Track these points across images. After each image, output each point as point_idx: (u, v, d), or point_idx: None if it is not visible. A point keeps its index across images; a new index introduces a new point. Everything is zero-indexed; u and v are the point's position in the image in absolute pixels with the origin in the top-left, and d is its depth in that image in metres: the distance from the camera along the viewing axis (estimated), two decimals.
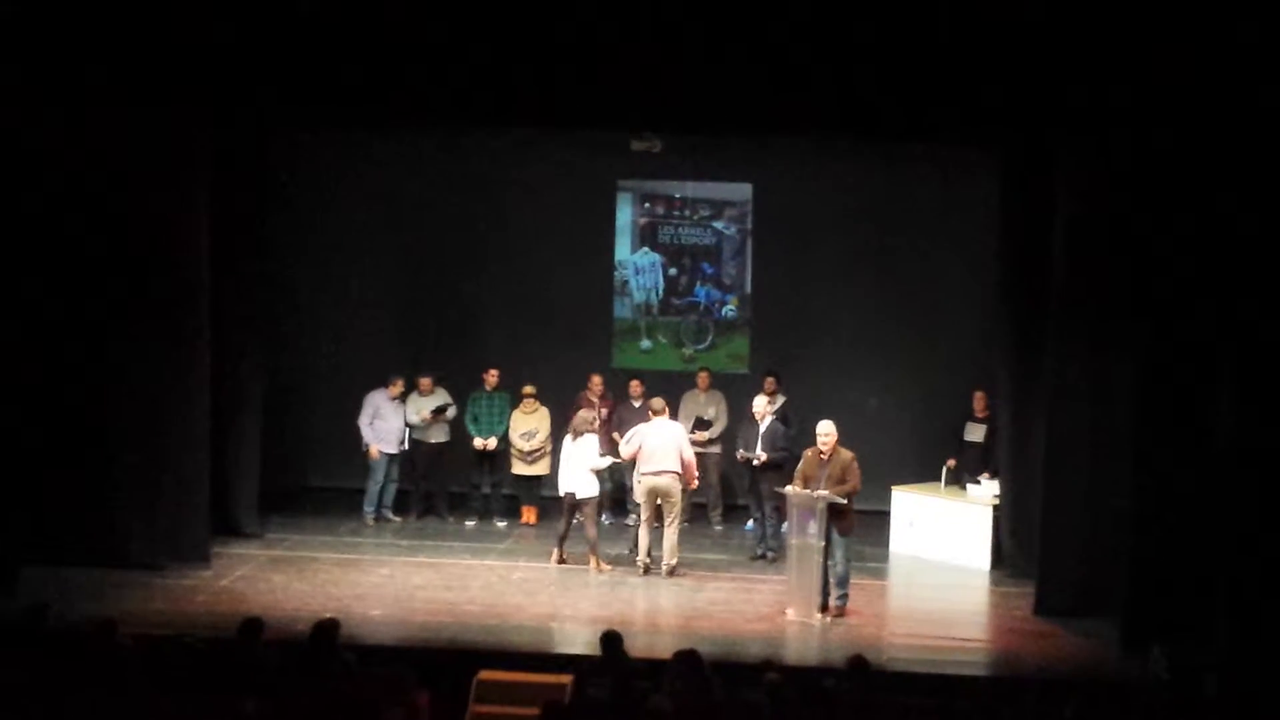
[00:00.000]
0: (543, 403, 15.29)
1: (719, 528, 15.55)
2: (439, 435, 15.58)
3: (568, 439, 14.06)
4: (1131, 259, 12.05)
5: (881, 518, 14.89)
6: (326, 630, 9.67)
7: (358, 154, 16.32)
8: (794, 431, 14.47)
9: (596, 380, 15.60)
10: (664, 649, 10.44)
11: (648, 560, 13.63)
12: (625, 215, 17.17)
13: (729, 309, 17.16)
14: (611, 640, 9.79)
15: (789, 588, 12.61)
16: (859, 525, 12.93)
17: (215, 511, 13.77)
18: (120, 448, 13.08)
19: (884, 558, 14.54)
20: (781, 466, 13.83)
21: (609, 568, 13.79)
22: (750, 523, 15.00)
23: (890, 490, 14.93)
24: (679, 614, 12.63)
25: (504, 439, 15.39)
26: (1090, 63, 11.86)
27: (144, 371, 13.09)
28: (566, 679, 9.89)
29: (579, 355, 16.39)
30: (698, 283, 17.18)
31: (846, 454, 12.48)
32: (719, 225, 17.11)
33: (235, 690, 8.82)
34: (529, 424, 15.26)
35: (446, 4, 12.30)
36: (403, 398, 15.42)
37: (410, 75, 12.53)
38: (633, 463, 14.13)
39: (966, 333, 15.73)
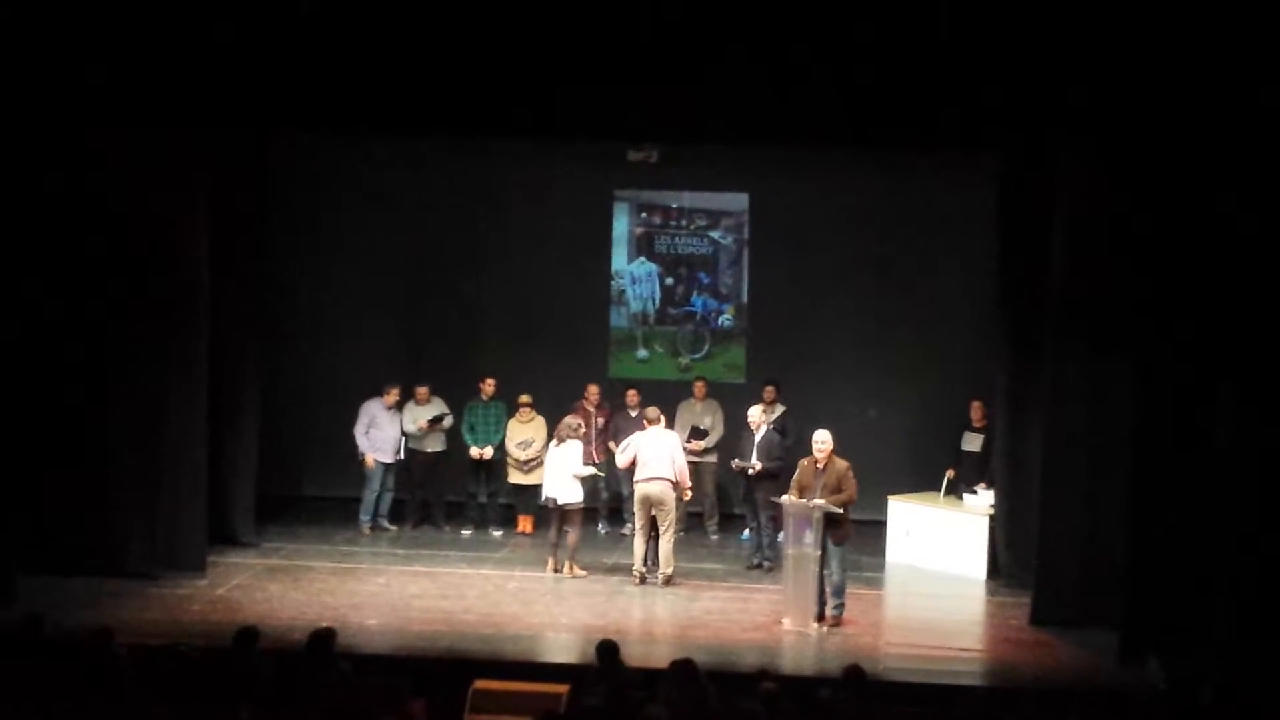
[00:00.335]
0: (539, 412, 15.29)
1: (715, 537, 15.55)
2: (435, 444, 15.57)
3: (552, 445, 14.09)
4: (1130, 264, 12.05)
5: (878, 527, 14.88)
6: (323, 639, 9.65)
7: (356, 162, 16.34)
8: (791, 441, 14.48)
9: (593, 390, 15.62)
10: (660, 658, 10.42)
11: (644, 569, 13.63)
12: (622, 225, 17.18)
13: (725, 318, 17.17)
14: (607, 650, 9.78)
15: (785, 597, 12.61)
16: (855, 535, 12.94)
17: (211, 520, 13.75)
18: (117, 456, 13.08)
19: (880, 567, 14.53)
20: (777, 476, 13.85)
21: (583, 573, 13.81)
22: (746, 532, 15.01)
23: (886, 500, 14.92)
24: (675, 623, 12.62)
25: (500, 448, 15.39)
26: (1088, 64, 11.85)
27: (141, 379, 13.09)
28: (562, 688, 9.88)
29: (575, 365, 16.41)
30: (694, 292, 17.19)
31: (842, 463, 12.48)
32: (715, 235, 17.12)
33: (231, 700, 8.81)
34: (525, 433, 15.26)
35: (444, 13, 12.31)
36: (399, 406, 15.41)
37: (409, 84, 12.52)
38: (629, 472, 14.13)
39: (964, 342, 15.73)
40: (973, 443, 14.93)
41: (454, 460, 15.64)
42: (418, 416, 15.43)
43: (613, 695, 9.31)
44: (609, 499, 15.77)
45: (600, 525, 15.72)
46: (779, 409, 15.24)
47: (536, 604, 12.96)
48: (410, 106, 12.74)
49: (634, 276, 17.21)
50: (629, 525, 15.08)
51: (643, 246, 17.18)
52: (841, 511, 12.35)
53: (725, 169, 16.51)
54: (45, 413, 12.90)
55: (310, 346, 16.66)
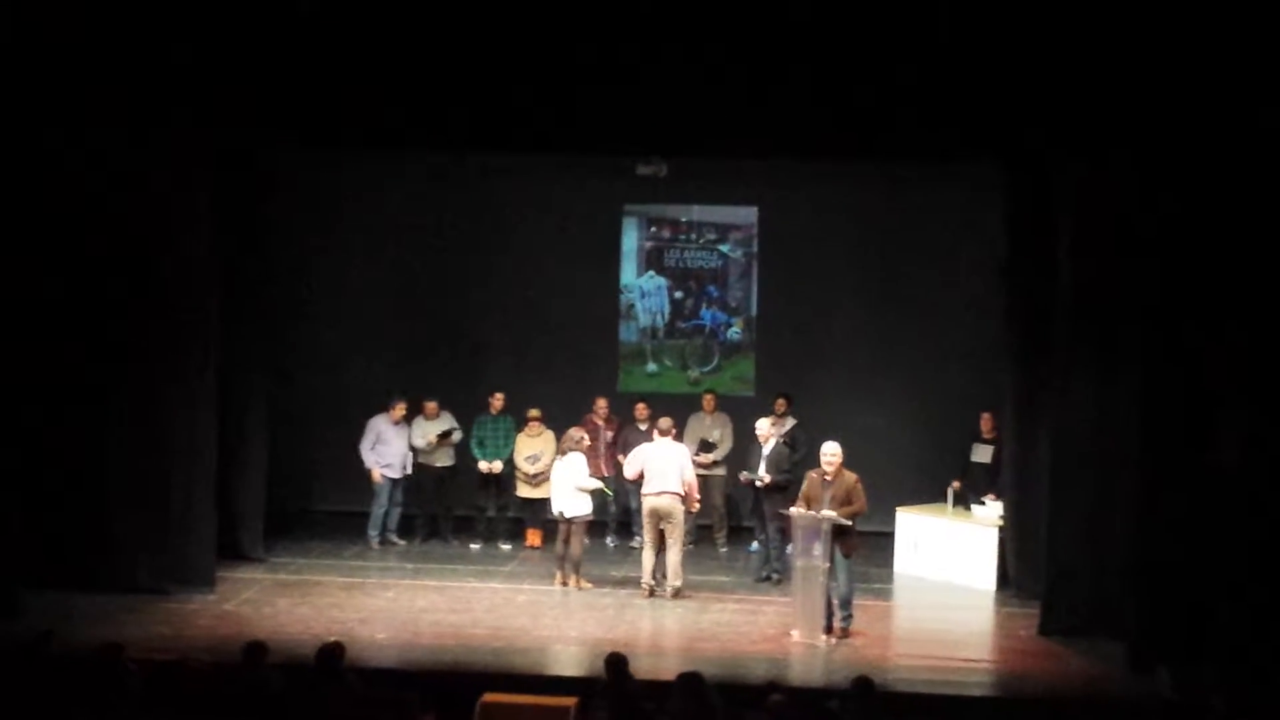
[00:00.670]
0: (548, 426, 15.28)
1: (724, 549, 15.54)
2: (444, 459, 15.59)
3: (557, 459, 14.11)
4: (1138, 273, 12.05)
5: (886, 539, 14.88)
6: (331, 654, 9.67)
7: (365, 176, 16.39)
8: (801, 455, 14.47)
9: (602, 403, 15.65)
10: (668, 671, 10.41)
11: (652, 582, 13.62)
12: (631, 239, 17.21)
13: (734, 331, 17.19)
14: (616, 663, 9.79)
15: (794, 609, 12.59)
16: (864, 546, 12.95)
17: (220, 535, 13.77)
18: (125, 472, 13.09)
19: (889, 579, 14.52)
20: (785, 488, 13.84)
21: (589, 586, 13.82)
22: (755, 544, 14.99)
23: (895, 511, 14.91)
24: (684, 636, 12.61)
25: (509, 462, 15.40)
26: (1091, 73, 11.89)
27: (149, 394, 13.11)
28: (571, 701, 9.88)
29: (585, 379, 16.43)
30: (703, 306, 17.22)
31: (850, 476, 12.47)
32: (724, 248, 17.15)
33: (240, 714, 8.83)
34: (534, 447, 15.26)
35: (452, 27, 12.35)
36: (405, 421, 15.42)
37: (417, 98, 12.59)
38: (638, 484, 14.14)
39: (973, 353, 15.72)
40: (982, 454, 14.92)
41: (462, 474, 15.66)
42: (427, 431, 15.45)
43: (621, 708, 9.33)
44: (618, 512, 15.77)
45: (609, 538, 15.72)
46: (789, 422, 15.24)
47: (545, 617, 12.96)
48: (419, 121, 12.82)
49: (643, 290, 17.23)
50: (638, 538, 15.07)
51: (652, 260, 17.21)
52: (850, 524, 12.34)
53: (733, 183, 16.55)
54: (53, 427, 12.93)
55: (319, 361, 16.67)
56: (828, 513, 12.27)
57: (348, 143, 13.85)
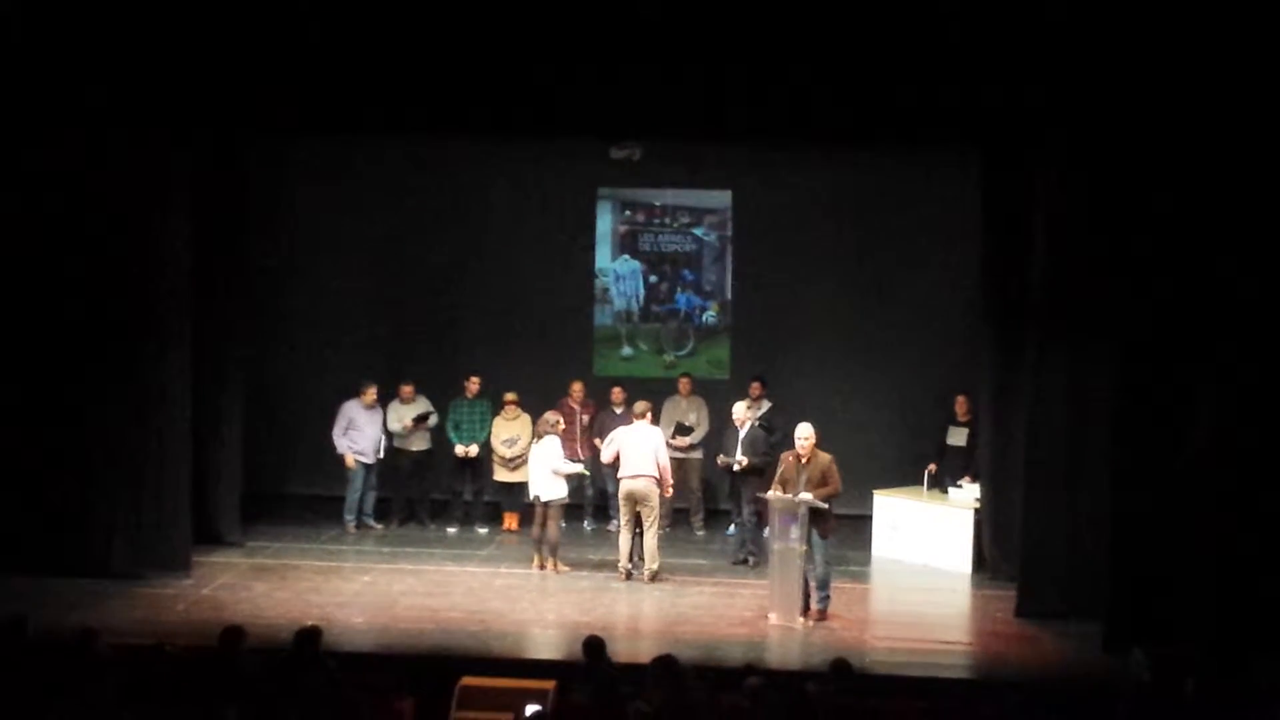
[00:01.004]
0: (524, 410, 15.28)
1: (701, 533, 15.57)
2: (421, 443, 15.56)
3: (534, 442, 14.11)
4: (1111, 258, 12.09)
5: (863, 522, 14.93)
6: (308, 638, 9.65)
7: (338, 162, 16.33)
8: (777, 438, 14.49)
9: (578, 387, 15.66)
10: (646, 654, 10.39)
11: (629, 565, 13.64)
12: (605, 223, 17.19)
13: (710, 315, 17.19)
14: (594, 646, 9.79)
15: (771, 592, 12.61)
16: (841, 529, 12.97)
17: (196, 520, 13.73)
18: (100, 457, 13.05)
19: (866, 561, 14.57)
20: (762, 472, 13.87)
21: (566, 569, 13.83)
22: (732, 527, 15.02)
23: (872, 494, 14.95)
24: (661, 619, 12.63)
25: (485, 446, 15.39)
26: (1067, 62, 11.91)
27: (124, 379, 13.06)
28: (549, 684, 9.89)
29: (560, 363, 16.43)
30: (678, 289, 17.21)
31: (825, 456, 12.49)
32: (699, 232, 17.14)
33: (217, 699, 8.80)
34: (511, 431, 15.25)
35: (425, 11, 12.31)
36: (378, 405, 15.38)
37: (389, 82, 12.54)
38: (614, 468, 14.15)
39: (948, 336, 15.77)
40: (957, 437, 14.98)
41: (439, 458, 15.64)
42: (403, 415, 15.43)
43: (599, 691, 9.33)
44: (594, 495, 15.78)
45: (586, 522, 15.74)
46: (765, 404, 15.27)
47: (522, 600, 12.97)
48: (391, 105, 12.77)
49: (618, 274, 17.22)
50: (614, 522, 15.10)
51: (626, 244, 17.19)
52: (827, 505, 12.37)
53: (708, 166, 16.53)
54: (28, 413, 12.89)
55: (294, 345, 16.66)
56: (804, 495, 12.29)
57: (322, 128, 13.79)
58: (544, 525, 13.91)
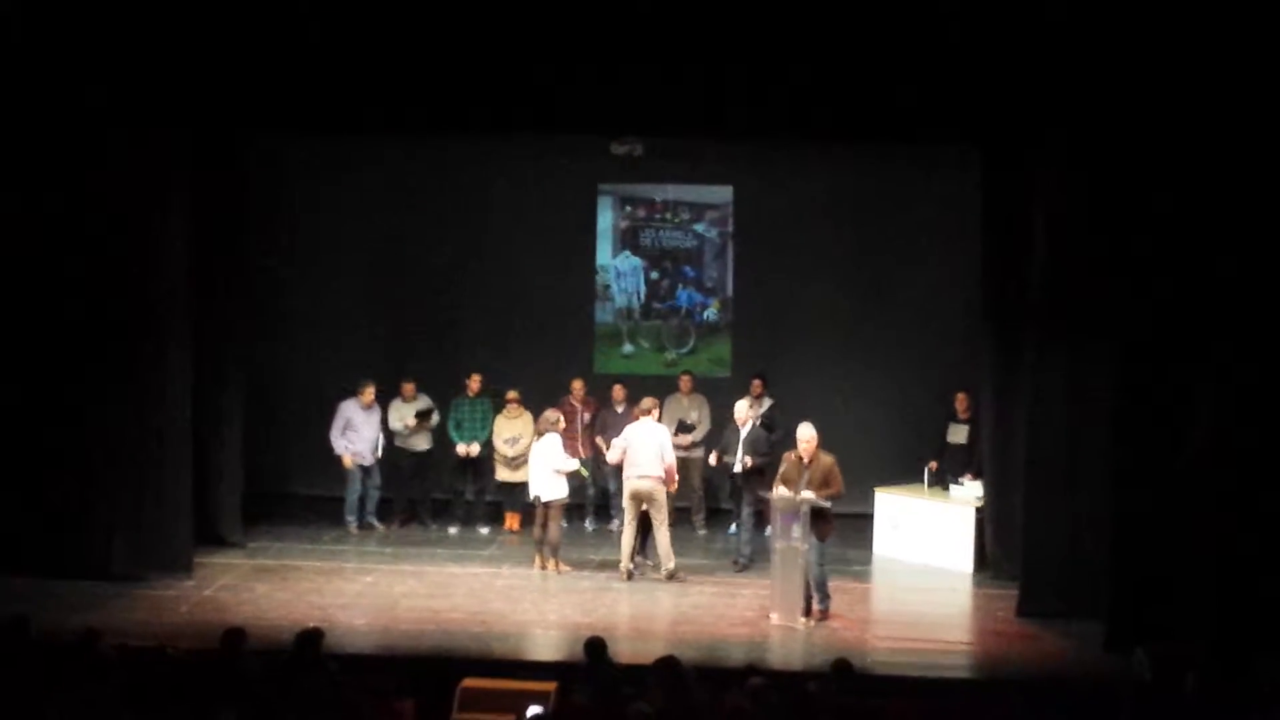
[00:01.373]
0: (526, 408, 15.26)
1: (702, 532, 15.55)
2: (422, 443, 15.55)
3: (535, 441, 14.09)
4: (1112, 258, 12.08)
5: (864, 520, 14.91)
6: (310, 639, 9.65)
7: (338, 160, 16.30)
8: (778, 436, 14.48)
9: (578, 385, 15.63)
10: (648, 655, 10.35)
11: (631, 565, 13.62)
12: (606, 219, 17.17)
13: (711, 312, 17.18)
14: (595, 647, 9.79)
15: (772, 592, 12.61)
16: (841, 528, 12.96)
17: (198, 521, 13.73)
18: (102, 458, 13.04)
19: (867, 560, 14.56)
20: (763, 472, 13.84)
21: (568, 569, 13.83)
22: (734, 526, 15.01)
23: (873, 492, 14.94)
24: (662, 619, 12.63)
25: (487, 445, 15.37)
26: (1068, 62, 11.90)
27: (125, 380, 13.05)
28: (551, 686, 9.88)
29: (561, 360, 16.41)
30: (679, 286, 17.19)
31: (827, 458, 12.48)
32: (700, 228, 17.13)
33: (218, 701, 8.80)
34: (513, 429, 15.23)
35: (425, 8, 12.30)
36: (376, 405, 15.35)
37: (389, 81, 12.53)
38: (617, 467, 14.14)
39: (949, 333, 15.75)
40: (958, 434, 14.97)
41: (440, 458, 15.63)
42: (405, 414, 15.41)
43: (601, 692, 9.32)
44: (596, 495, 15.77)
45: (587, 521, 15.72)
46: (766, 402, 15.26)
47: (524, 601, 12.97)
48: (391, 104, 12.75)
49: (619, 271, 17.21)
50: (615, 521, 15.10)
51: (627, 240, 17.18)
52: (829, 505, 12.36)
53: (709, 162, 16.51)
54: (29, 415, 12.89)
55: (295, 344, 16.64)
56: (807, 494, 12.28)
57: (321, 127, 13.77)
58: (545, 526, 13.90)
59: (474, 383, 15.49)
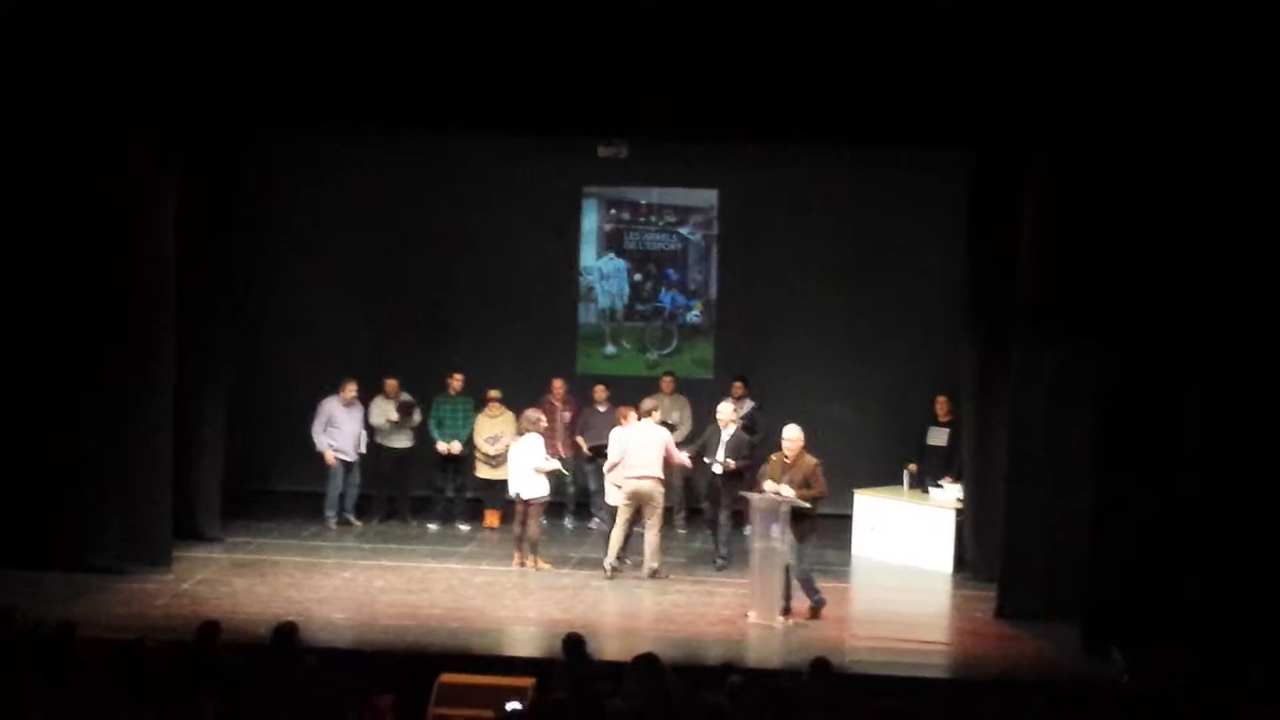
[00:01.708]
0: (507, 407, 15.26)
1: (682, 531, 15.55)
2: (403, 441, 15.55)
3: (515, 440, 14.10)
4: (1097, 262, 12.12)
5: (844, 521, 14.93)
6: (285, 634, 9.63)
7: (323, 159, 16.29)
8: (759, 438, 14.49)
9: (558, 384, 15.62)
10: (627, 652, 10.36)
11: (617, 563, 13.62)
12: (591, 221, 17.19)
13: (694, 314, 17.20)
14: (574, 643, 9.79)
15: (751, 591, 12.62)
16: (821, 529, 12.95)
17: (177, 515, 13.68)
18: (82, 452, 13.00)
19: (846, 561, 14.58)
20: (743, 474, 13.84)
21: (547, 566, 13.84)
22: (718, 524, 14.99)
23: (852, 494, 14.96)
24: (641, 617, 12.64)
25: (468, 443, 15.37)
26: (1057, 63, 11.91)
27: (106, 374, 13.02)
28: (528, 682, 9.86)
29: (544, 360, 16.41)
30: (663, 288, 17.21)
31: (810, 460, 12.51)
32: (684, 231, 17.15)
33: (196, 694, 8.78)
34: (494, 428, 15.23)
35: (412, 8, 12.29)
36: (358, 401, 15.34)
37: (376, 81, 12.49)
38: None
39: (930, 337, 15.80)
40: (938, 437, 15.01)
41: (421, 455, 15.61)
42: (387, 410, 15.40)
43: (578, 689, 9.31)
44: (576, 494, 15.76)
45: (567, 519, 15.73)
46: (748, 404, 15.27)
47: (503, 598, 12.96)
48: (376, 103, 12.71)
49: (602, 273, 17.22)
50: (595, 519, 15.11)
51: (611, 242, 17.19)
52: (809, 506, 12.37)
53: (694, 165, 16.52)
54: (7, 407, 12.84)
55: (277, 341, 16.62)
56: (785, 490, 12.29)
57: (307, 126, 13.77)
58: (525, 523, 13.91)
59: (455, 381, 15.49)
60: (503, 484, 14.72)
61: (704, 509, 15.05)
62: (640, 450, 13.62)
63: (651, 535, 13.59)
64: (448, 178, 16.61)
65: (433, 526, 15.40)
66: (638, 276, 17.22)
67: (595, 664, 9.92)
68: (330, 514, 15.31)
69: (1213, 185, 11.68)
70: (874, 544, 14.76)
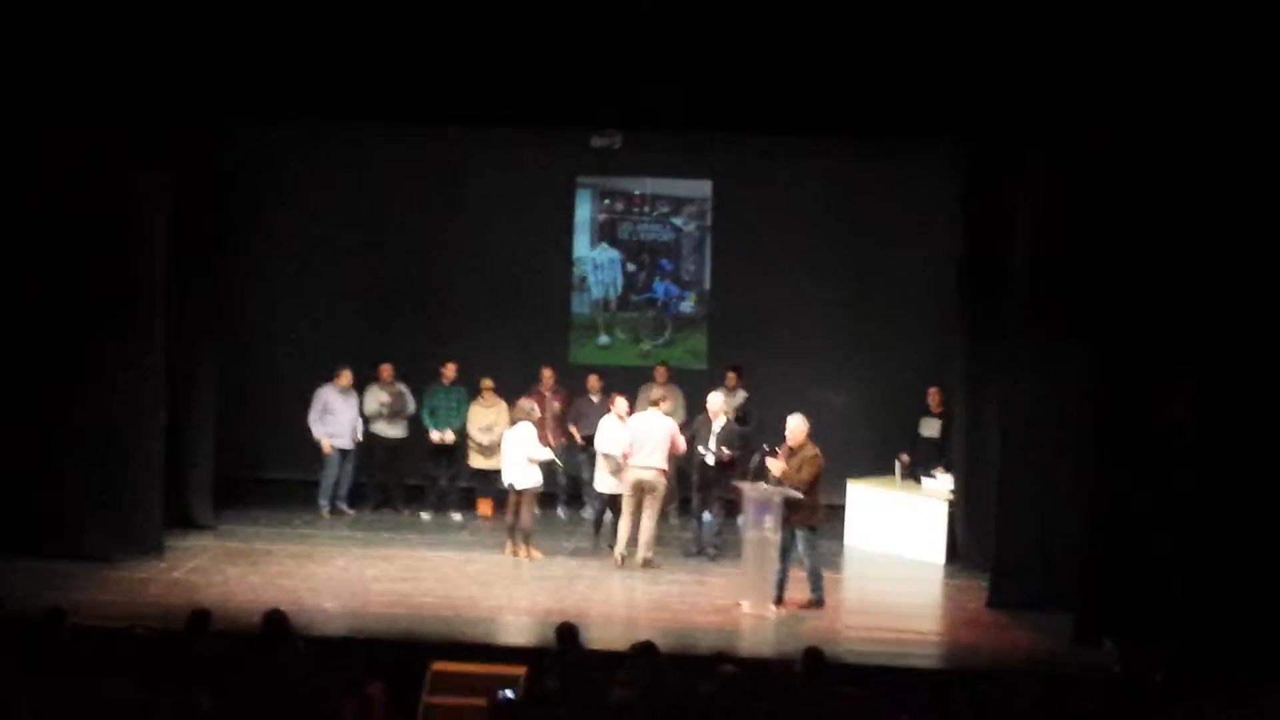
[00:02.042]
0: (501, 397, 15.24)
1: (674, 521, 15.52)
2: (396, 430, 15.53)
3: (508, 430, 14.10)
4: (1090, 255, 12.12)
5: (836, 511, 14.90)
6: (275, 622, 9.61)
7: (316, 147, 16.26)
8: (750, 428, 14.48)
9: (547, 374, 15.60)
10: (619, 641, 10.47)
11: (625, 552, 13.63)
12: (584, 211, 17.17)
13: (687, 305, 17.19)
14: (566, 632, 9.79)
15: (744, 580, 12.63)
16: (823, 514, 12.92)
17: (169, 503, 13.69)
18: (73, 439, 12.98)
19: (838, 551, 14.58)
20: (734, 465, 13.84)
21: (540, 556, 13.84)
22: (707, 515, 14.97)
23: (845, 484, 14.97)
24: (634, 606, 12.65)
25: (461, 432, 15.36)
26: (1050, 57, 11.92)
27: (97, 361, 13.00)
28: (521, 670, 9.89)
29: (537, 350, 16.40)
30: (656, 279, 17.20)
31: (811, 450, 12.50)
32: (678, 221, 17.13)
33: (187, 681, 8.76)
34: (487, 417, 15.22)
35: (406, 2, 12.27)
36: (353, 389, 15.31)
37: (368, 70, 12.48)
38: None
39: (923, 328, 15.82)
40: (930, 428, 15.01)
41: (414, 444, 15.60)
42: (381, 396, 15.39)
43: (571, 678, 9.32)
44: (568, 484, 15.76)
45: (560, 509, 15.72)
46: (741, 394, 15.26)
47: (495, 587, 12.96)
48: (370, 92, 12.71)
49: (596, 263, 17.20)
50: (588, 509, 15.10)
51: (605, 233, 17.18)
52: (800, 495, 12.37)
53: (688, 155, 16.52)
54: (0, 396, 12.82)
55: (270, 330, 16.59)
56: (773, 462, 12.31)
57: (301, 111, 13.72)
58: (517, 512, 13.90)
59: (449, 370, 15.48)
60: (496, 473, 14.70)
61: (693, 500, 15.04)
62: (644, 439, 13.62)
63: (648, 525, 13.60)
64: (443, 168, 16.60)
65: (426, 515, 15.39)
66: (631, 267, 17.20)
67: (587, 653, 9.92)
68: (323, 502, 15.30)
69: (1209, 179, 11.68)
70: (867, 534, 14.76)
